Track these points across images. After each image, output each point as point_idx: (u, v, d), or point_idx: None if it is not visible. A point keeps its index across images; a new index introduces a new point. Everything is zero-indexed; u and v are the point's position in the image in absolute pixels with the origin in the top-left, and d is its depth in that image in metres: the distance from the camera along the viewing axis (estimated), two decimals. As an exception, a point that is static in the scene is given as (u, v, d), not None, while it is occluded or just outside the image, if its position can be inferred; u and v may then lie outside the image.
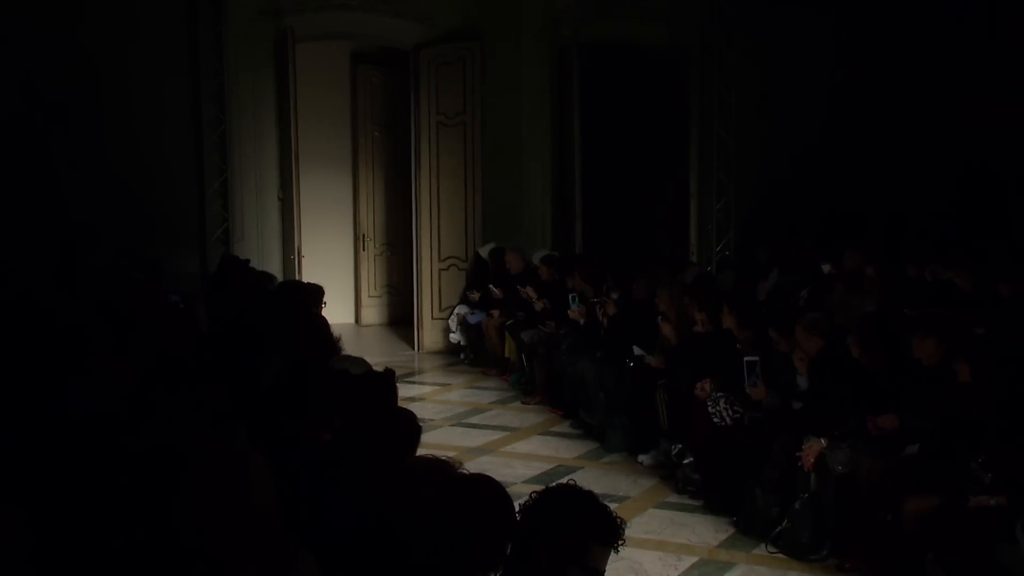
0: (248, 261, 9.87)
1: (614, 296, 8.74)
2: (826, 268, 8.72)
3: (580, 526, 2.79)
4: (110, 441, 3.39)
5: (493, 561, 2.81)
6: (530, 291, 10.16)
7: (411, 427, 3.79)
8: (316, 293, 7.45)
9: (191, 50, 10.96)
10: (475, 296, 11.35)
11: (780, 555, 5.65)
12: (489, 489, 2.94)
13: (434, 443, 7.59)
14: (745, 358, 6.26)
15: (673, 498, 6.74)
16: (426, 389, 10.28)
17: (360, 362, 5.09)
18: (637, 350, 7.85)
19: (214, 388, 4.74)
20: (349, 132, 13.90)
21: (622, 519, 2.88)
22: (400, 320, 13.29)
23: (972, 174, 10.37)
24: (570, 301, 9.11)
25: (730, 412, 6.42)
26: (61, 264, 8.88)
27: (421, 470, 3.19)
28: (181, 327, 5.48)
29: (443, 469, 3.17)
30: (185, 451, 2.94)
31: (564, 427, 8.66)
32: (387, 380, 4.59)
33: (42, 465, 3.25)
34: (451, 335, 11.77)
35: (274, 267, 11.04)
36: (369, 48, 13.52)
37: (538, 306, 10.02)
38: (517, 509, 2.93)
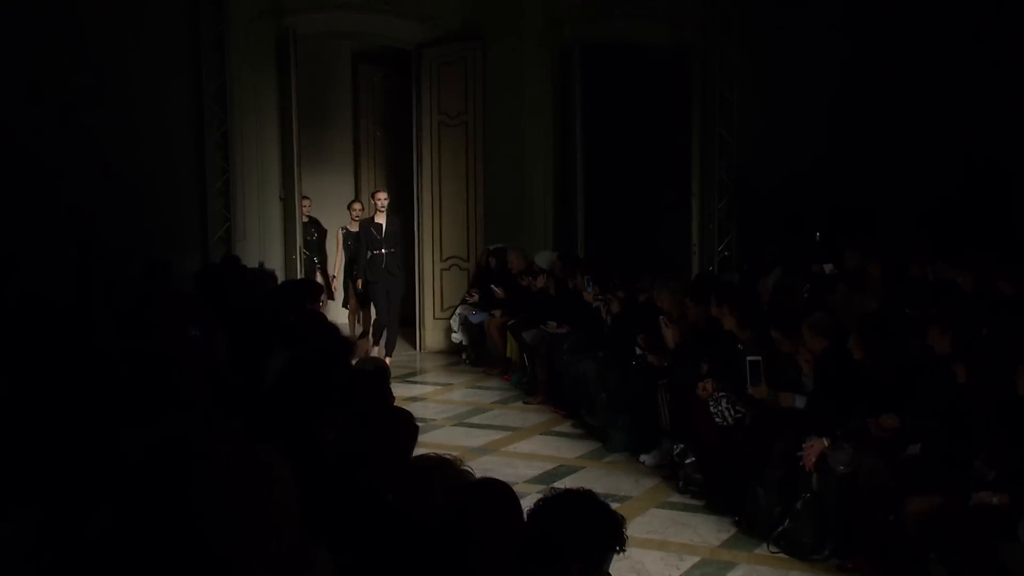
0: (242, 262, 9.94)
1: (620, 295, 8.75)
2: (828, 268, 8.71)
3: (604, 540, 2.85)
4: (117, 436, 3.39)
5: (502, 565, 2.82)
6: (541, 280, 10.23)
7: (409, 426, 3.80)
8: (312, 289, 7.43)
9: (193, 50, 10.97)
10: (474, 298, 11.38)
11: (782, 555, 5.64)
12: (500, 493, 2.95)
13: (436, 443, 7.60)
14: (748, 358, 6.26)
15: (675, 498, 6.74)
16: (428, 389, 10.29)
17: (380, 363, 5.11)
18: (639, 349, 7.84)
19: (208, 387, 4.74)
20: (351, 132, 13.89)
21: (623, 518, 2.92)
22: (402, 320, 13.29)
23: (976, 173, 10.36)
24: (586, 284, 9.14)
25: (732, 412, 6.42)
26: (73, 265, 8.90)
27: (427, 469, 3.19)
28: (184, 327, 5.48)
29: (448, 468, 3.18)
30: (192, 448, 2.94)
31: (566, 427, 8.66)
32: (382, 377, 4.60)
33: (50, 462, 3.26)
34: (453, 335, 11.78)
35: (276, 267, 11.04)
36: (370, 48, 13.54)
37: (540, 282, 10.23)
38: (525, 510, 2.94)
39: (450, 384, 10.54)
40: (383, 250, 10.91)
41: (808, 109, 11.16)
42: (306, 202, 11.69)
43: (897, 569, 5.03)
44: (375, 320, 11.26)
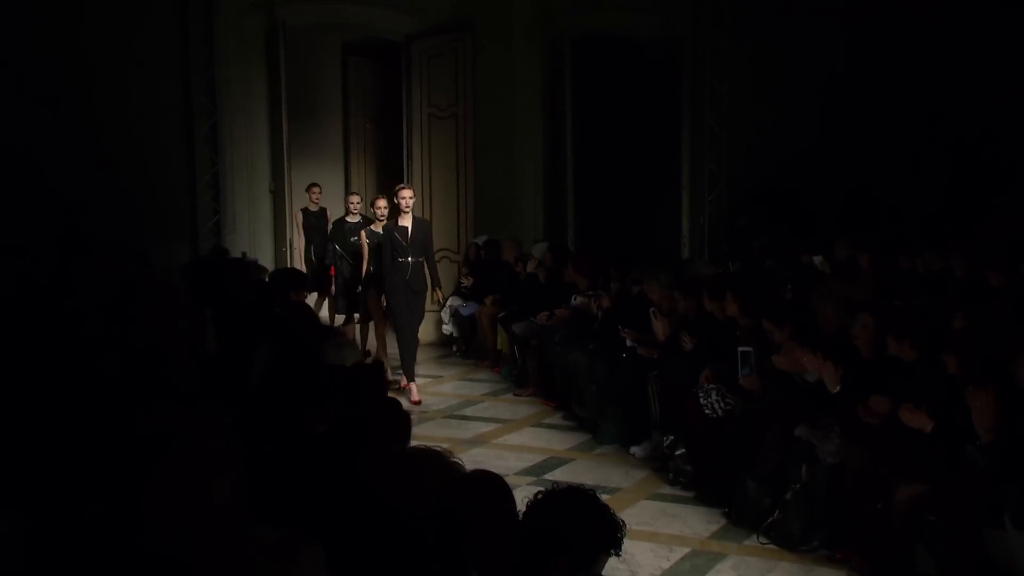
0: (229, 253, 9.95)
1: (615, 286, 8.76)
2: (818, 260, 8.74)
3: (595, 540, 2.85)
4: (107, 430, 3.39)
5: (493, 557, 2.82)
6: (531, 264, 10.27)
7: (403, 418, 3.81)
8: (298, 279, 7.39)
9: (182, 42, 10.95)
10: (469, 281, 11.36)
11: (771, 546, 5.66)
12: (493, 485, 2.96)
13: (427, 435, 7.61)
14: (739, 348, 6.26)
15: (665, 489, 6.74)
16: (419, 381, 10.24)
17: (353, 350, 5.10)
18: (629, 342, 7.86)
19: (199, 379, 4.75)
20: (341, 124, 13.88)
21: (624, 524, 2.92)
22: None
23: (966, 164, 10.39)
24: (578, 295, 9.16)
25: (721, 404, 6.43)
26: (57, 238, 8.89)
27: (418, 461, 3.20)
28: (173, 319, 5.48)
29: (438, 460, 3.18)
30: (175, 440, 2.95)
31: (556, 419, 8.67)
32: (377, 371, 4.60)
33: (41, 458, 3.25)
34: (444, 327, 11.78)
35: (266, 259, 11.04)
36: (360, 40, 13.52)
37: (531, 267, 10.15)
38: (518, 503, 2.95)
39: (441, 376, 10.53)
40: (409, 259, 9.12)
41: (798, 101, 11.17)
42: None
43: (885, 559, 5.05)
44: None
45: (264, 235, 11.59)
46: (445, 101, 11.93)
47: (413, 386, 9.27)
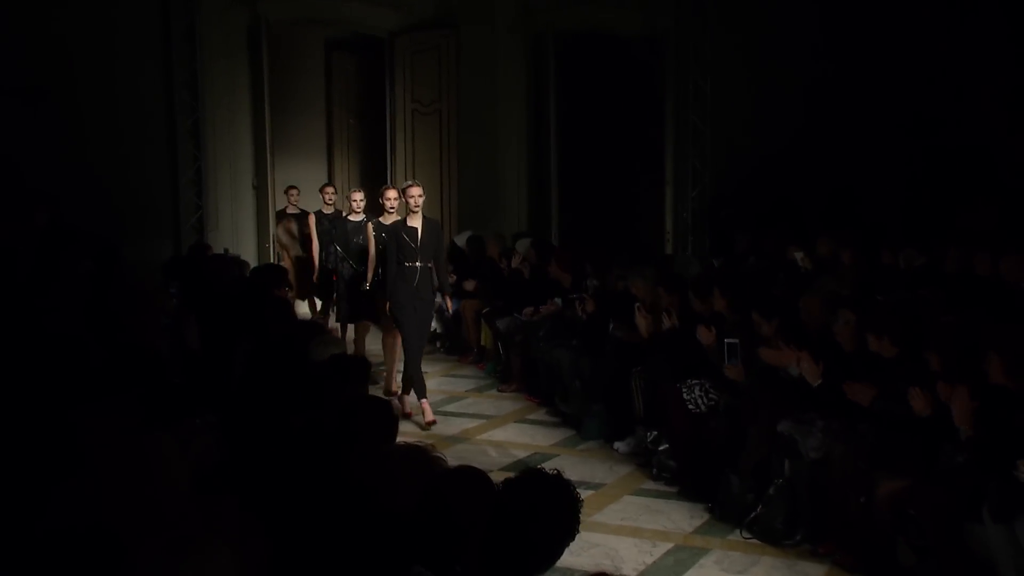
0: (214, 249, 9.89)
1: (592, 283, 8.75)
2: (799, 256, 8.77)
3: (567, 516, 2.86)
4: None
5: (477, 552, 2.83)
6: (516, 259, 10.27)
7: (390, 416, 3.81)
8: (279, 275, 7.36)
9: (164, 38, 10.88)
10: (452, 278, 11.32)
11: (754, 541, 5.68)
12: (477, 481, 2.97)
13: (410, 431, 7.61)
14: (725, 340, 6.28)
15: (649, 485, 6.76)
16: (401, 377, 10.25)
17: (339, 348, 5.09)
18: (611, 327, 7.89)
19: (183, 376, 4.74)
20: (324, 120, 13.84)
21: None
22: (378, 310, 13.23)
23: (943, 160, 10.44)
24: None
25: (705, 399, 6.45)
26: (40, 231, 8.83)
27: (401, 457, 3.20)
28: (150, 317, 5.45)
29: (421, 456, 3.18)
30: (83, 436, 2.96)
31: (540, 415, 8.67)
32: (359, 366, 4.59)
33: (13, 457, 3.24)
34: (428, 323, 11.73)
35: (248, 255, 11.00)
36: (344, 35, 13.49)
37: (516, 262, 10.16)
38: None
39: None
40: (417, 263, 8.23)
41: (781, 97, 11.20)
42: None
43: (867, 553, 5.09)
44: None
45: (247, 231, 11.55)
46: (428, 97, 11.91)
47: (407, 399, 8.60)
